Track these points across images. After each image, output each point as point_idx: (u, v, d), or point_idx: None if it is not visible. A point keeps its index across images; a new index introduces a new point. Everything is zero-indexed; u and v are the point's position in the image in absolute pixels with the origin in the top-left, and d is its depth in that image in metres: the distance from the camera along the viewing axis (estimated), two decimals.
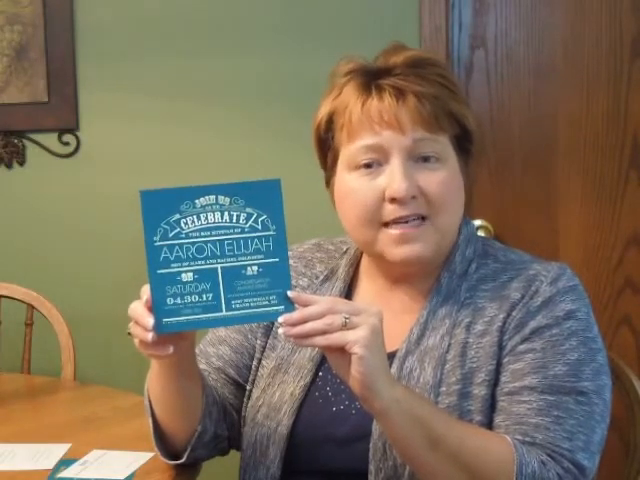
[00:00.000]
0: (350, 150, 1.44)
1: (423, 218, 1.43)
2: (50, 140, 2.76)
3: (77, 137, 2.74)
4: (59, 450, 1.68)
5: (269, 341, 1.55)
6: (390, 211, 1.42)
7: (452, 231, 1.47)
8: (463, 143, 1.47)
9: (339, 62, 1.50)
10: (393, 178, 1.41)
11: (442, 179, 1.43)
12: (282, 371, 1.51)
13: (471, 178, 1.50)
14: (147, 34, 2.68)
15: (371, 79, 1.44)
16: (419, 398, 1.36)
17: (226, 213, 1.26)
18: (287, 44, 2.62)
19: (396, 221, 1.42)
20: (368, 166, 1.43)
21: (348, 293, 1.55)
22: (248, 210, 1.27)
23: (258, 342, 1.56)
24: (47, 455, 1.66)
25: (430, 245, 1.44)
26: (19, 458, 1.66)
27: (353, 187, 1.44)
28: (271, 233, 1.27)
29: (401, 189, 1.40)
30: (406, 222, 1.42)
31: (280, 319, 1.25)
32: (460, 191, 1.47)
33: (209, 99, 2.67)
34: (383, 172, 1.42)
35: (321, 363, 1.49)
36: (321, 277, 1.57)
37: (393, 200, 1.41)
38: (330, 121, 1.48)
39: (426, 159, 1.43)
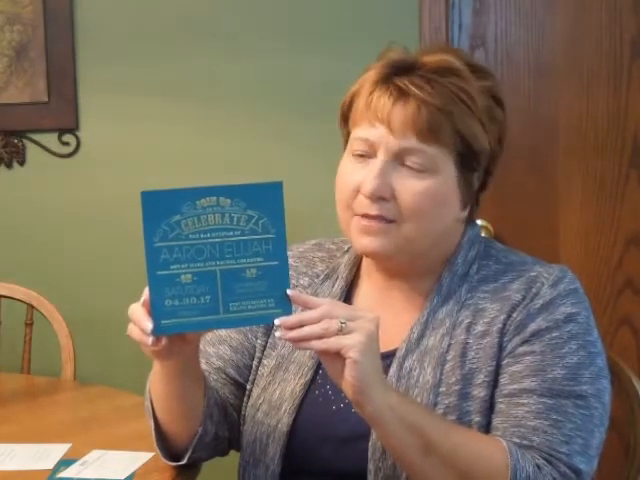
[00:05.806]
0: (353, 136, 1.47)
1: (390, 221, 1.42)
2: (50, 140, 2.75)
3: (77, 137, 2.74)
4: (59, 450, 1.68)
5: (270, 340, 1.55)
6: (360, 204, 1.43)
7: (420, 240, 1.43)
8: (468, 161, 1.44)
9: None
10: (368, 174, 1.42)
11: (422, 189, 1.41)
12: (282, 369, 1.51)
13: (474, 190, 1.48)
14: (147, 34, 2.68)
15: (390, 74, 1.44)
16: (413, 404, 1.36)
17: (226, 215, 1.26)
18: (287, 44, 2.62)
19: (364, 216, 1.42)
20: (360, 156, 1.45)
21: (349, 292, 1.55)
22: (249, 212, 1.26)
23: (258, 342, 1.56)
24: (47, 455, 1.66)
25: (390, 245, 1.42)
26: (19, 458, 1.66)
27: (344, 170, 1.47)
28: (271, 236, 1.27)
29: (369, 187, 1.41)
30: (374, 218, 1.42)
31: (276, 322, 1.25)
32: (444, 204, 1.44)
33: (209, 99, 2.67)
34: (368, 165, 1.43)
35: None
36: (322, 276, 1.57)
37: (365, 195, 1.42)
38: (352, 101, 1.49)
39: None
